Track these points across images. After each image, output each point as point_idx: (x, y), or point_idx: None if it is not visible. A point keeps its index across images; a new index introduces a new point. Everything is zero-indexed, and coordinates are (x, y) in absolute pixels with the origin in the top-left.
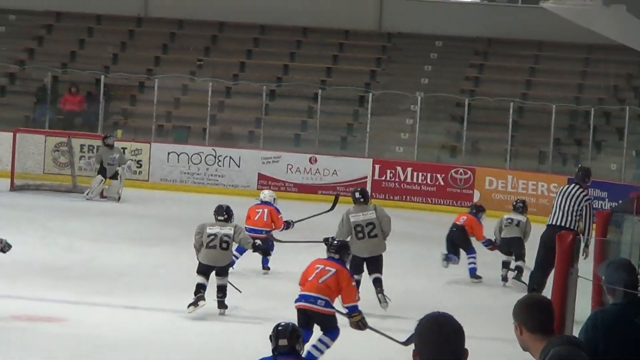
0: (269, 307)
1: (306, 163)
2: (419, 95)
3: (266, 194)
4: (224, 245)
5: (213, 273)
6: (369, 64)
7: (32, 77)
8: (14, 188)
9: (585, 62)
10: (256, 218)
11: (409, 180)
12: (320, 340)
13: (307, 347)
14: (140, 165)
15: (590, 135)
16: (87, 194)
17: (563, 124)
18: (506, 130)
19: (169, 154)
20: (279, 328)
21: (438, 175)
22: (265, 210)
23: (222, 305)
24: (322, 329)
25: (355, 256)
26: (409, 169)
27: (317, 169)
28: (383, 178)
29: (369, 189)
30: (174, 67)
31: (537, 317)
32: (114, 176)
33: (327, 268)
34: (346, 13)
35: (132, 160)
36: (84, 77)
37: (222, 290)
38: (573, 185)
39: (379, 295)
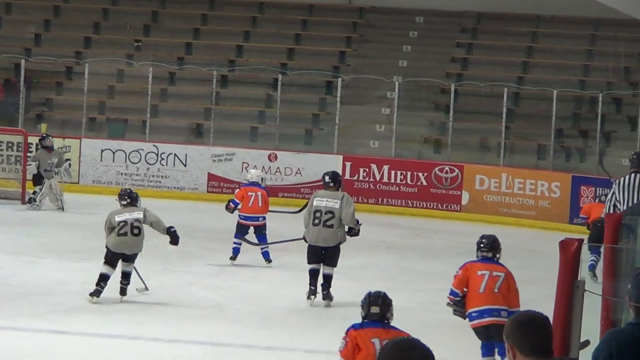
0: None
1: (265, 161)
2: (397, 80)
3: (253, 174)
4: (136, 231)
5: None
6: (338, 43)
7: None
8: None
9: (591, 40)
10: (250, 204)
11: (385, 180)
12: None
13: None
14: (70, 165)
15: (598, 126)
16: (33, 202)
17: (566, 113)
18: (499, 120)
19: (102, 151)
20: (371, 296)
21: (420, 174)
22: (259, 193)
23: (123, 292)
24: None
25: (311, 245)
26: (386, 167)
27: (278, 168)
28: (355, 177)
29: None
30: (107, 50)
31: (532, 336)
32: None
33: (495, 273)
34: None
35: (63, 151)
36: (1, 62)
37: (126, 277)
38: (634, 174)
39: (324, 292)
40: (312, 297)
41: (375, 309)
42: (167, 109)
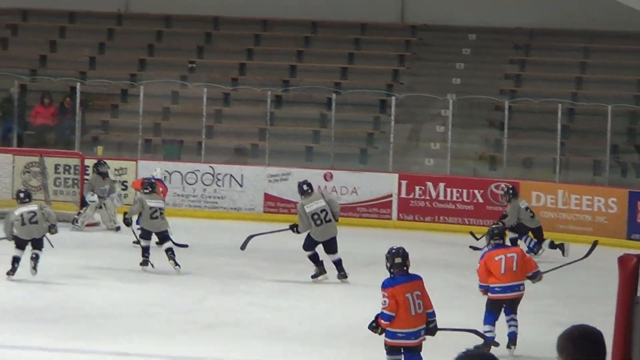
0: None
1: (320, 180)
2: (451, 98)
3: (158, 172)
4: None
5: None
6: (391, 62)
7: None
8: None
9: None
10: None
11: (441, 197)
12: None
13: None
14: (126, 187)
15: None
16: (75, 223)
17: (621, 128)
18: (554, 136)
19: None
20: (393, 249)
21: (476, 192)
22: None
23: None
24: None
25: (313, 239)
26: (442, 185)
27: (334, 187)
28: (411, 196)
29: (395, 208)
30: (161, 71)
31: (586, 351)
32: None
33: (509, 255)
34: (362, 3)
35: (117, 181)
36: (57, 85)
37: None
38: None
39: (341, 274)
40: (324, 274)
41: (398, 259)
42: (222, 129)
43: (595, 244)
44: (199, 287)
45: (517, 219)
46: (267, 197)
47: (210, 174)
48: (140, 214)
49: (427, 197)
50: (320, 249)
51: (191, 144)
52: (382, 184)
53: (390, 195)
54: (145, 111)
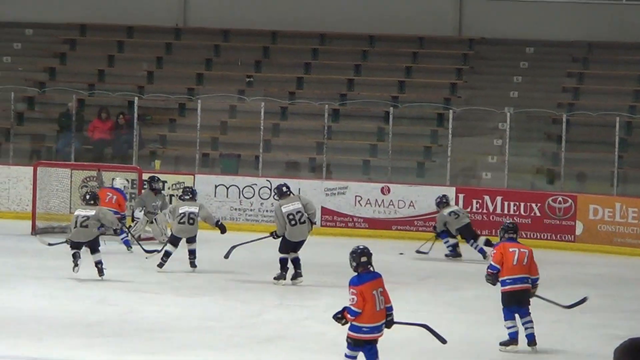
0: None
1: (377, 194)
2: (508, 111)
3: (117, 181)
4: (191, 221)
5: None
6: (448, 75)
7: (54, 101)
8: (36, 231)
9: None
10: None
11: (498, 211)
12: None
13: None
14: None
15: None
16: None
17: None
18: (612, 149)
19: (216, 187)
20: (358, 248)
21: (533, 205)
22: (114, 197)
23: (193, 264)
24: (525, 306)
25: (288, 240)
26: (499, 198)
27: (391, 201)
28: (468, 209)
29: None
30: (219, 86)
31: None
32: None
33: (522, 250)
34: (420, 17)
35: (175, 195)
36: (115, 99)
37: (192, 254)
38: None
39: (297, 272)
40: (283, 280)
41: (364, 258)
42: (280, 143)
43: (584, 300)
44: (256, 301)
45: (443, 225)
46: (325, 211)
47: (267, 187)
48: None
49: (484, 211)
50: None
51: (248, 158)
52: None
53: None
54: (202, 125)
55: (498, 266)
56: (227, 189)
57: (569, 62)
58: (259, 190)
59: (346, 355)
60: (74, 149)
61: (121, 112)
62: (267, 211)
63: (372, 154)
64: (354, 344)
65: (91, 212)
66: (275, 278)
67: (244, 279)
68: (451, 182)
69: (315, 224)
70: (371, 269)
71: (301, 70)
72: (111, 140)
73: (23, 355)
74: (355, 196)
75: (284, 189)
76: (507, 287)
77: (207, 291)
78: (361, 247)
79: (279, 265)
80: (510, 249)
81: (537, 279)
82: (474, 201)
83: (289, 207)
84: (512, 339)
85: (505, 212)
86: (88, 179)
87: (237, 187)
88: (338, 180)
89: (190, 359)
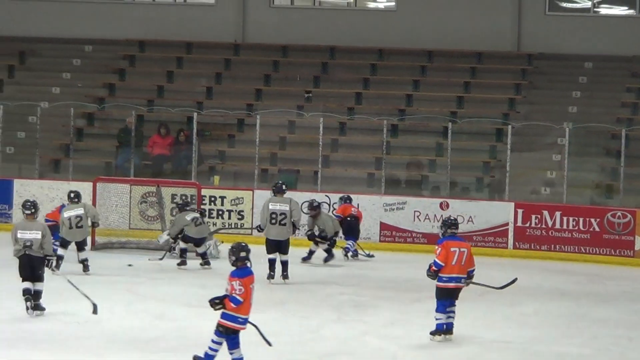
0: None
1: (436, 209)
2: (567, 126)
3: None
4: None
5: None
6: (507, 91)
7: (114, 117)
8: (95, 247)
9: None
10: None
11: (557, 226)
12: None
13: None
14: (242, 217)
15: None
16: (172, 252)
17: None
18: None
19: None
20: (240, 245)
21: (592, 220)
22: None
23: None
24: (454, 299)
25: (268, 238)
26: (558, 213)
27: (450, 216)
28: (527, 224)
29: (511, 236)
30: (278, 101)
31: None
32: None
33: (462, 249)
34: (479, 32)
35: (233, 211)
36: (174, 115)
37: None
38: None
39: (284, 274)
40: (271, 279)
41: (243, 253)
42: (338, 159)
43: (514, 281)
44: (315, 316)
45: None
46: (383, 226)
47: (326, 203)
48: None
49: (544, 226)
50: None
51: (307, 173)
52: (498, 212)
53: (507, 224)
54: (261, 141)
55: (443, 264)
56: None
57: (628, 77)
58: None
59: (214, 342)
60: (133, 165)
61: (181, 128)
62: None
63: (431, 169)
64: (225, 332)
65: (79, 210)
66: (267, 278)
67: (302, 294)
68: (510, 197)
69: (298, 229)
70: (248, 264)
71: (360, 85)
72: (170, 156)
73: None
74: (414, 211)
75: (284, 187)
76: (442, 284)
77: (265, 306)
78: (242, 243)
79: (334, 279)
80: (452, 249)
81: (473, 270)
82: (533, 216)
83: (276, 206)
84: (438, 330)
85: (565, 227)
86: (147, 195)
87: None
88: (397, 196)
89: None
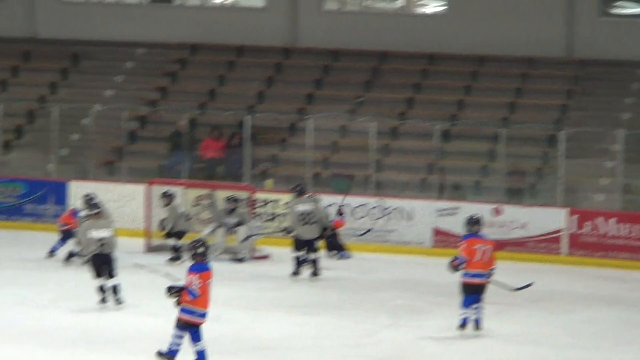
0: None
1: (490, 214)
2: (620, 132)
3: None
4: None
5: None
6: (559, 97)
7: (166, 119)
8: (149, 249)
9: None
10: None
11: (613, 233)
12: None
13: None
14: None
15: None
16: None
17: None
18: None
19: (328, 206)
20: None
21: None
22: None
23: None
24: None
25: (299, 239)
26: (613, 220)
27: (504, 222)
28: (582, 231)
29: (565, 243)
30: (329, 105)
31: None
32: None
33: (485, 247)
34: (530, 38)
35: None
36: (226, 118)
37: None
38: None
39: (315, 271)
40: (298, 276)
41: (201, 249)
42: (391, 163)
43: (530, 284)
44: (369, 321)
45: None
46: (437, 232)
47: (379, 207)
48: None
49: (598, 233)
50: None
51: (360, 178)
52: (552, 219)
53: (560, 231)
54: (313, 145)
55: (466, 257)
56: (340, 208)
57: None
58: (371, 210)
59: (175, 336)
60: (186, 168)
61: (234, 131)
62: (378, 231)
63: (484, 175)
64: (182, 326)
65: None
66: (291, 274)
67: (357, 298)
68: (563, 203)
69: (328, 226)
70: (206, 260)
71: (411, 90)
72: (223, 159)
73: None
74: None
75: (304, 189)
76: (468, 280)
77: (321, 310)
78: (201, 239)
79: (390, 284)
80: (476, 246)
81: (493, 268)
82: (587, 223)
83: (303, 206)
84: (462, 325)
85: (619, 234)
86: (201, 198)
87: (349, 206)
88: (450, 201)
89: None
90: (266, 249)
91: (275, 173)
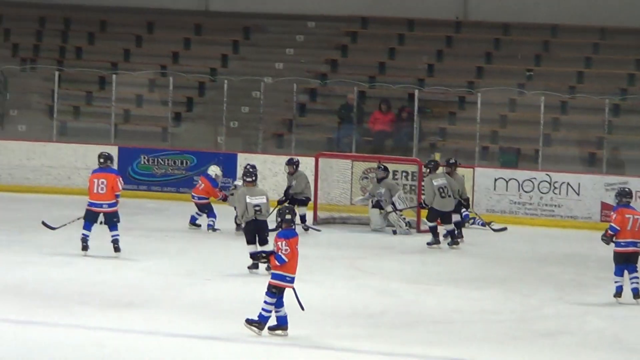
0: None
1: None
2: None
3: (212, 169)
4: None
5: None
6: None
7: (335, 92)
8: (317, 221)
9: None
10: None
11: None
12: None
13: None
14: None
15: None
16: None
17: None
18: None
19: (495, 180)
20: (286, 209)
21: None
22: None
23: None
24: (633, 264)
25: (437, 210)
26: None
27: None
28: None
29: None
30: (499, 79)
31: None
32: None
33: (636, 217)
34: None
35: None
36: (395, 92)
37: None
38: None
39: (456, 240)
40: (438, 245)
41: (289, 216)
42: (559, 137)
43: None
44: (535, 295)
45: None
46: (605, 206)
47: (547, 182)
48: None
49: None
50: None
51: (528, 152)
52: None
53: None
54: (482, 119)
55: (618, 227)
56: (507, 182)
57: None
58: (539, 184)
59: (267, 302)
60: (355, 140)
61: (403, 105)
62: (546, 205)
63: None
64: (277, 292)
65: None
66: (428, 243)
67: (523, 272)
68: None
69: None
70: (293, 227)
71: (582, 64)
72: (391, 133)
73: (304, 344)
74: (636, 192)
75: (437, 165)
76: (620, 249)
77: (487, 283)
78: (288, 207)
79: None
80: (627, 215)
81: None
82: None
83: (438, 181)
84: (618, 292)
85: None
86: (368, 171)
87: (517, 180)
88: (618, 176)
89: (470, 351)
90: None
91: (443, 146)
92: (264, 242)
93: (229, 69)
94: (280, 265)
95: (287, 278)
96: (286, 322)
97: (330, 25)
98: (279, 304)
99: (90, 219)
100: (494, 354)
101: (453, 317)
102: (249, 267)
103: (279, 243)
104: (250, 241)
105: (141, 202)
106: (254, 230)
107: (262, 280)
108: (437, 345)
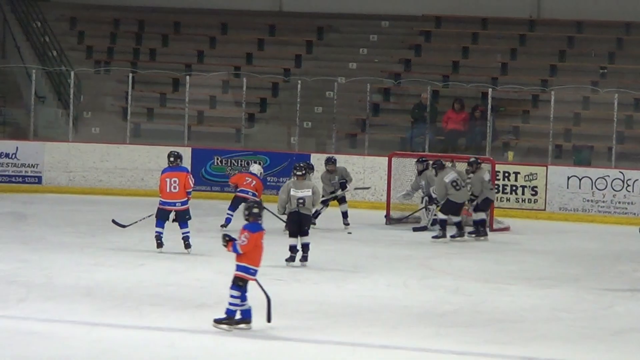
0: None
1: None
2: None
3: (255, 167)
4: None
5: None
6: None
7: (409, 92)
8: (390, 222)
9: None
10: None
11: None
12: None
13: None
14: (536, 193)
15: None
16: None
17: None
18: None
19: (568, 178)
20: (252, 203)
21: None
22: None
23: None
24: None
25: (452, 202)
26: None
27: None
28: None
29: None
30: (572, 77)
31: None
32: None
33: None
34: None
35: (527, 186)
36: (468, 91)
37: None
38: None
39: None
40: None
41: (255, 210)
42: (633, 135)
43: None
44: (607, 293)
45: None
46: None
47: (620, 179)
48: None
49: None
50: None
51: (601, 150)
52: None
53: None
54: (555, 117)
55: None
56: (580, 180)
57: None
58: (612, 182)
59: (233, 296)
60: (428, 140)
61: (476, 104)
62: (619, 203)
63: None
64: (243, 285)
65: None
66: (451, 236)
67: (596, 269)
68: None
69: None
70: (260, 221)
71: None
72: (464, 132)
73: (374, 343)
74: None
75: (442, 164)
76: None
77: (558, 282)
78: (256, 201)
79: (628, 255)
80: None
81: None
82: None
83: (449, 176)
84: None
85: None
86: None
87: (590, 178)
88: None
89: (542, 349)
90: (506, 221)
91: (517, 145)
92: (304, 234)
93: (303, 69)
94: (237, 255)
95: (251, 270)
96: (250, 316)
97: (404, 25)
98: (243, 298)
99: (162, 217)
100: (566, 352)
101: (525, 316)
102: (286, 260)
103: (242, 234)
104: (292, 233)
105: (214, 203)
106: (296, 221)
107: (334, 281)
108: (509, 345)
